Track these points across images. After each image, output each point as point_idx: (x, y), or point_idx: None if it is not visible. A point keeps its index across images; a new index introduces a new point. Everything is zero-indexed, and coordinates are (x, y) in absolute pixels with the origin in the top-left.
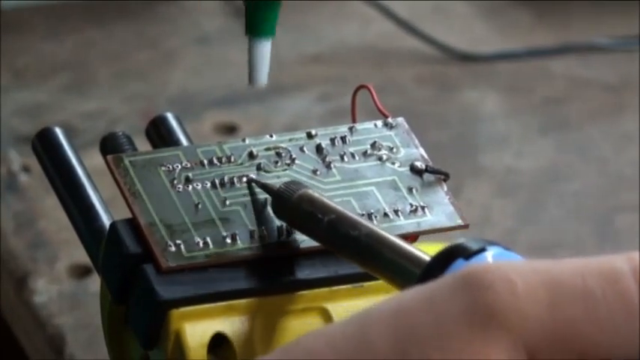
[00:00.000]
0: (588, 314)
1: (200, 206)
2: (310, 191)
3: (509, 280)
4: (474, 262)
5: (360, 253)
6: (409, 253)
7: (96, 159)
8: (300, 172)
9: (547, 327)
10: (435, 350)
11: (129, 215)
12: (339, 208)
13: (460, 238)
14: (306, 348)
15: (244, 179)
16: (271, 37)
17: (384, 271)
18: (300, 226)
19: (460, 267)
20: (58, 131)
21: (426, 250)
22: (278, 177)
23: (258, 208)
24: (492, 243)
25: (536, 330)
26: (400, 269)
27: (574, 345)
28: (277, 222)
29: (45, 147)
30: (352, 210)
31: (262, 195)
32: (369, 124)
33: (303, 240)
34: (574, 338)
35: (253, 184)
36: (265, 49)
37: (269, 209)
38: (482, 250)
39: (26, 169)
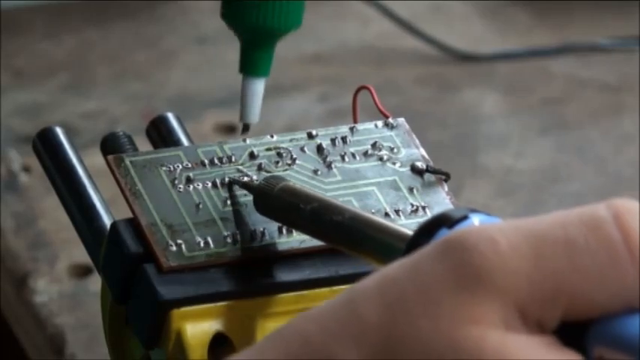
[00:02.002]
0: (573, 263)
1: (201, 206)
2: (291, 183)
3: (492, 240)
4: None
5: (346, 237)
6: (393, 229)
7: (96, 159)
8: (301, 172)
9: (534, 281)
10: (423, 317)
11: (130, 215)
12: (321, 195)
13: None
14: (298, 330)
15: (245, 179)
16: (265, 76)
17: (371, 251)
18: (284, 218)
19: (444, 236)
20: (59, 131)
21: None
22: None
23: (252, 208)
24: (475, 210)
25: (524, 285)
26: (387, 246)
27: (562, 297)
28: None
29: (46, 147)
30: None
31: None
32: (370, 125)
33: (304, 240)
34: (561, 290)
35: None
36: (258, 88)
37: None
38: (464, 217)
39: (26, 169)
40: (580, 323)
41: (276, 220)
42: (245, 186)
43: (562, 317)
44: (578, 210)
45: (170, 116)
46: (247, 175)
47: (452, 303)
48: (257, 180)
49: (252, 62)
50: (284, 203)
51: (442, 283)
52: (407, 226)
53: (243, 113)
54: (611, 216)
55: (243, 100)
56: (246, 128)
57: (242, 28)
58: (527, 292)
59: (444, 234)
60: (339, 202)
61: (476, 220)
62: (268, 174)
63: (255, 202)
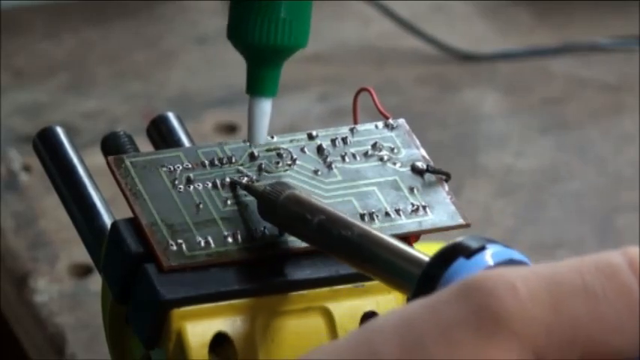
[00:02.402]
0: (590, 311)
1: (201, 206)
2: (297, 192)
3: (511, 285)
4: (475, 261)
5: (355, 254)
6: (406, 253)
7: (96, 158)
8: (301, 173)
9: (552, 328)
10: (442, 358)
11: (130, 214)
12: (328, 208)
13: (459, 237)
14: None
15: (245, 180)
16: (272, 96)
17: (381, 272)
18: (289, 227)
19: (461, 266)
20: (60, 130)
21: (427, 250)
22: (279, 177)
23: (253, 208)
24: (492, 241)
25: (542, 331)
26: (398, 270)
27: (579, 343)
28: None
29: (46, 146)
30: (353, 210)
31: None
32: (370, 126)
33: None
34: (578, 336)
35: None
36: (265, 108)
37: None
38: (482, 248)
39: (27, 168)
40: None
41: (280, 227)
42: (248, 189)
43: None
44: (593, 257)
45: (171, 116)
46: (247, 176)
47: (471, 346)
48: (257, 180)
49: (259, 82)
50: (289, 213)
51: (461, 326)
52: (407, 225)
53: (250, 135)
54: (626, 263)
55: (250, 121)
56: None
57: (247, 48)
58: (545, 339)
59: (461, 264)
60: (346, 215)
61: (491, 250)
62: (268, 174)
63: (260, 208)
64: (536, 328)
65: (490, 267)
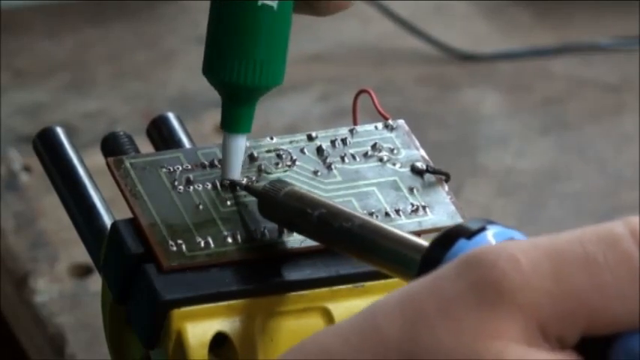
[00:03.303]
0: (592, 281)
1: (201, 207)
2: (297, 188)
3: (513, 257)
4: (476, 241)
5: (356, 245)
6: (407, 239)
7: (96, 159)
8: (301, 174)
9: (555, 298)
10: (445, 332)
11: (130, 215)
12: (329, 201)
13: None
14: (320, 345)
15: (245, 181)
16: (246, 132)
17: (383, 261)
18: (290, 223)
19: (462, 247)
20: (59, 131)
21: None
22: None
23: (252, 209)
24: (492, 222)
25: (545, 303)
26: (400, 257)
27: (582, 313)
28: None
29: (46, 146)
30: (353, 210)
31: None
32: (370, 127)
33: (304, 240)
34: (582, 306)
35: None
36: (240, 144)
37: None
38: (482, 229)
39: (27, 168)
40: (601, 338)
41: (281, 224)
42: (248, 189)
43: (583, 333)
44: (595, 227)
45: (171, 116)
46: (248, 177)
47: (473, 318)
48: (256, 180)
49: (233, 119)
50: (290, 208)
51: (463, 299)
52: (407, 225)
53: (224, 170)
54: (628, 232)
55: (224, 156)
56: (231, 185)
57: (222, 85)
58: (548, 309)
59: (463, 245)
60: (347, 208)
61: (492, 231)
62: (268, 175)
63: (260, 206)
64: (539, 299)
65: None
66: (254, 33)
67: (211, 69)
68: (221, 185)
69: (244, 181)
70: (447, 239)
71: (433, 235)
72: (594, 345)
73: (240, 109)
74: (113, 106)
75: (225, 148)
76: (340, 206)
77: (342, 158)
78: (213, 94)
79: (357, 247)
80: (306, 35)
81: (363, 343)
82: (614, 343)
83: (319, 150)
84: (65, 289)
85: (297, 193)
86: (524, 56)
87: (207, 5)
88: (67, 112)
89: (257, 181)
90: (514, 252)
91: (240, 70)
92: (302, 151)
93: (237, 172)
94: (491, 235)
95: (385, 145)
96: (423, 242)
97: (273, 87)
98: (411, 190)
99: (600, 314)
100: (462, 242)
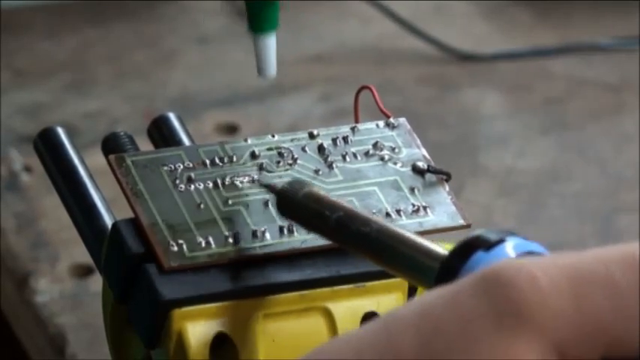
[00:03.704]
0: (614, 304)
1: (202, 206)
2: (316, 189)
3: (532, 276)
4: (495, 254)
5: (374, 250)
6: (425, 247)
7: (97, 159)
8: (302, 172)
9: (574, 321)
10: (462, 352)
11: (131, 215)
12: (347, 205)
13: (477, 229)
14: (331, 354)
15: (246, 179)
16: (274, 30)
17: (400, 267)
18: (307, 224)
19: (480, 259)
20: (60, 131)
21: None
22: (280, 177)
23: (258, 208)
24: (511, 233)
25: (564, 325)
26: (417, 264)
27: (602, 337)
28: (279, 221)
29: (47, 146)
30: (370, 214)
31: (261, 195)
32: (371, 125)
33: (305, 240)
34: (601, 330)
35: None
36: (270, 42)
37: (270, 209)
38: (501, 240)
39: (27, 168)
40: None
41: (299, 224)
42: (268, 187)
43: (602, 356)
44: (618, 248)
45: (171, 116)
46: (249, 175)
47: (491, 339)
48: (258, 180)
49: (260, 18)
50: (308, 209)
51: (481, 318)
52: (408, 226)
53: (261, 68)
54: None
55: (258, 56)
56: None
57: None
58: (567, 332)
59: (481, 257)
60: (365, 212)
61: (512, 243)
62: (271, 176)
63: (278, 205)
64: (557, 321)
65: (510, 258)
66: None
67: None
68: (222, 183)
69: (245, 180)
70: (465, 250)
71: (433, 237)
72: None
73: (265, 7)
74: (114, 106)
75: (257, 49)
76: (358, 210)
77: (344, 157)
78: (214, 94)
79: (374, 252)
80: (307, 35)
81: (377, 357)
82: None
83: (320, 148)
84: (66, 289)
85: (316, 195)
86: (524, 56)
87: (207, 5)
88: (68, 112)
89: (258, 180)
90: (534, 271)
91: None
92: (303, 149)
93: (273, 68)
94: (510, 247)
95: (386, 144)
96: (441, 250)
97: None
98: (412, 189)
99: (621, 338)
100: (479, 254)
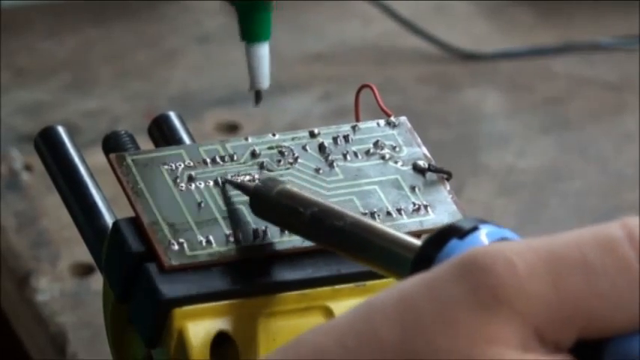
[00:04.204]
0: (590, 286)
1: (203, 205)
2: (289, 186)
3: (509, 261)
4: (469, 241)
5: (348, 244)
6: (399, 238)
7: (98, 158)
8: (303, 171)
9: (551, 303)
10: (441, 336)
11: (131, 214)
12: (321, 200)
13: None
14: (313, 343)
15: (247, 178)
16: (267, 40)
17: (375, 259)
18: (282, 222)
19: (455, 246)
20: (61, 130)
21: None
22: (281, 176)
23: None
24: (484, 221)
25: (541, 308)
26: (392, 256)
27: (579, 318)
28: None
29: (48, 145)
30: (355, 209)
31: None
32: (372, 123)
33: None
34: (578, 311)
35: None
36: (263, 52)
37: None
38: (475, 228)
39: (28, 167)
40: (596, 341)
41: (274, 223)
42: (240, 187)
43: (578, 337)
44: (592, 230)
45: (172, 115)
46: (249, 174)
47: (470, 323)
48: (259, 178)
49: (253, 28)
50: (282, 207)
51: (460, 303)
52: (409, 225)
53: (253, 80)
54: (625, 236)
55: (251, 67)
56: (259, 96)
57: None
58: (544, 314)
59: (455, 245)
60: (339, 206)
61: (485, 230)
62: (267, 173)
63: (252, 205)
64: (535, 305)
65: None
66: None
67: None
68: (222, 183)
69: (246, 179)
70: (439, 239)
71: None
72: (589, 346)
73: (257, 17)
74: (114, 105)
75: (250, 59)
76: (333, 205)
77: (345, 156)
78: (215, 93)
79: (349, 246)
80: (308, 35)
81: (359, 347)
82: (609, 344)
83: (321, 147)
84: (67, 288)
85: (290, 192)
86: (525, 55)
87: (208, 5)
88: (69, 111)
89: (258, 179)
90: (511, 256)
91: None
92: (304, 148)
93: (266, 80)
94: (483, 234)
95: (387, 143)
96: (415, 241)
97: None
98: (412, 188)
99: (597, 319)
100: (454, 242)
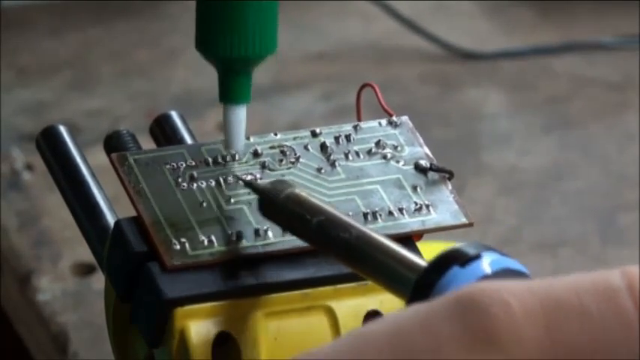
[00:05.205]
0: (585, 334)
1: (205, 204)
2: (297, 191)
3: (506, 303)
4: (471, 270)
5: (352, 256)
6: (403, 257)
7: (99, 157)
8: (305, 171)
9: (546, 350)
10: None
11: (133, 213)
12: (329, 208)
13: (457, 243)
14: None
15: (248, 177)
16: (246, 103)
17: (377, 275)
18: (288, 226)
19: (456, 274)
20: (62, 129)
21: (430, 249)
22: (282, 175)
23: (256, 206)
24: (488, 248)
25: (535, 352)
26: (394, 274)
27: None
28: None
29: (49, 145)
30: (357, 208)
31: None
32: (374, 123)
33: None
34: (571, 358)
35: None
36: (241, 115)
37: None
38: (478, 256)
39: (29, 167)
40: None
41: (280, 225)
42: (250, 186)
43: None
44: (592, 276)
45: (174, 114)
46: (251, 174)
47: None
48: (260, 178)
49: (232, 90)
50: (289, 211)
51: (454, 342)
52: (410, 224)
53: (228, 142)
54: (625, 285)
55: (227, 128)
56: (232, 156)
57: (218, 59)
58: (537, 359)
59: (456, 273)
60: (347, 217)
61: (488, 259)
62: (274, 175)
63: (260, 205)
64: (528, 349)
65: (486, 275)
66: (244, 6)
67: (205, 44)
68: (225, 182)
69: (248, 178)
70: (441, 265)
71: (435, 235)
72: None
73: (237, 80)
74: (116, 104)
75: (227, 120)
76: (341, 215)
77: (346, 155)
78: (216, 93)
79: (353, 259)
80: (309, 34)
81: None
82: None
83: (323, 147)
84: (68, 288)
85: (298, 197)
86: (527, 55)
87: None
88: (70, 111)
89: (261, 179)
90: (507, 296)
91: (234, 43)
92: (306, 147)
93: (241, 143)
94: (486, 263)
95: (389, 142)
96: (420, 261)
97: (268, 55)
98: (414, 188)
99: None
100: (455, 269)
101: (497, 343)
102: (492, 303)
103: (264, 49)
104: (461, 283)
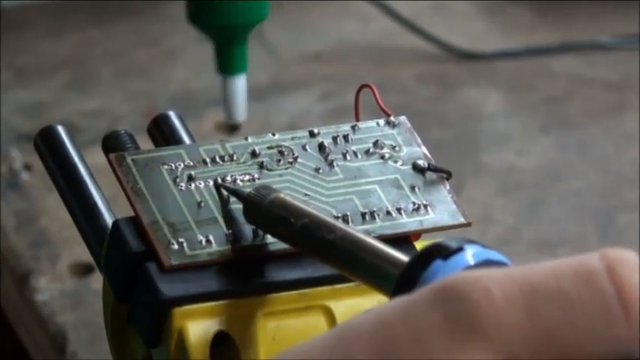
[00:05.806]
0: (565, 317)
1: (202, 204)
2: (282, 195)
3: (487, 289)
4: (453, 262)
5: (337, 257)
6: (386, 254)
7: (98, 157)
8: (303, 171)
9: (527, 333)
10: None
11: (131, 213)
12: (313, 211)
13: (440, 238)
14: None
15: (246, 177)
16: (244, 72)
17: (362, 274)
18: (273, 231)
19: (439, 267)
20: (61, 129)
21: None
22: (280, 175)
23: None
24: (471, 242)
25: (517, 337)
26: (378, 271)
27: (553, 349)
28: None
29: (47, 145)
30: (355, 208)
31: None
32: (372, 123)
33: None
34: (553, 342)
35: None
36: (240, 84)
37: None
38: (460, 249)
39: (28, 167)
40: None
41: (265, 231)
42: (234, 193)
43: None
44: (571, 260)
45: (172, 115)
46: (249, 174)
47: (444, 350)
48: (259, 178)
49: (230, 61)
50: (274, 216)
51: (435, 330)
52: (408, 224)
53: (230, 112)
54: (604, 268)
55: (227, 99)
56: (235, 128)
57: (213, 30)
58: (519, 344)
59: (439, 266)
60: (331, 219)
61: (470, 251)
62: (272, 175)
63: (245, 212)
64: (510, 334)
65: (469, 267)
66: None
67: (199, 16)
68: (223, 182)
69: (246, 178)
70: (424, 259)
71: (434, 235)
72: None
73: (233, 50)
74: (114, 104)
75: (227, 91)
76: (324, 217)
77: (344, 155)
78: (215, 93)
79: (338, 259)
80: (307, 34)
81: None
82: None
83: (321, 147)
84: (66, 288)
85: (282, 201)
86: (525, 55)
87: None
88: (69, 111)
89: (259, 179)
90: (488, 283)
91: (230, 10)
92: (304, 147)
93: (243, 112)
94: (469, 255)
95: (387, 142)
96: (403, 257)
97: (262, 21)
98: (412, 188)
99: (571, 350)
100: (438, 263)
101: (478, 328)
102: (473, 290)
103: (256, 15)
104: (444, 275)
